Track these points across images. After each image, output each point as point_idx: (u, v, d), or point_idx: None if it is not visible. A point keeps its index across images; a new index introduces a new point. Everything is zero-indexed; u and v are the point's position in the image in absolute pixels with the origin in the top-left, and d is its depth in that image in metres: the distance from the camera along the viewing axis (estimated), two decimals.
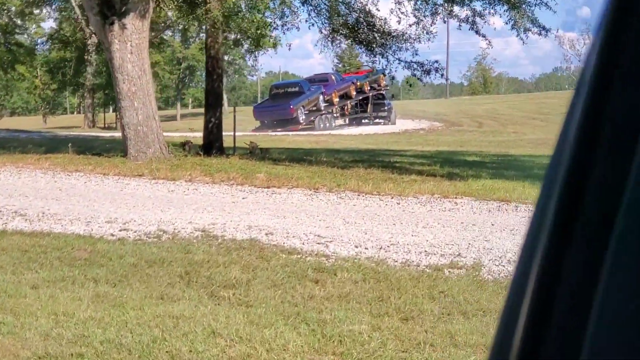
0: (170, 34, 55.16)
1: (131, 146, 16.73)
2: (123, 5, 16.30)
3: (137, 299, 6.06)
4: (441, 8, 18.85)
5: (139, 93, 16.55)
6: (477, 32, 18.90)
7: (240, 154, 19.30)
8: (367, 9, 19.80)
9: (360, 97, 45.70)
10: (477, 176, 14.89)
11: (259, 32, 17.87)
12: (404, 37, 19.75)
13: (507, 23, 18.19)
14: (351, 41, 20.76)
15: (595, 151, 0.67)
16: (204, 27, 19.77)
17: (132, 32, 16.43)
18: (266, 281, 6.66)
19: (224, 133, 20.46)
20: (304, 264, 7.37)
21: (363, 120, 47.21)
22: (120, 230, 9.12)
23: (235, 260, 7.43)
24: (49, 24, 64.60)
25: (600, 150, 0.67)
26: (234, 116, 21.83)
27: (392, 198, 12.06)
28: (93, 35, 40.04)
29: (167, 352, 4.84)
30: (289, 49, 44.55)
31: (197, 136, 22.28)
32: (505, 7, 17.84)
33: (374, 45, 19.87)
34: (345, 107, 45.23)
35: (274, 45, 22.72)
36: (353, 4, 19.84)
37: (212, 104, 20.29)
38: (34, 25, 57.84)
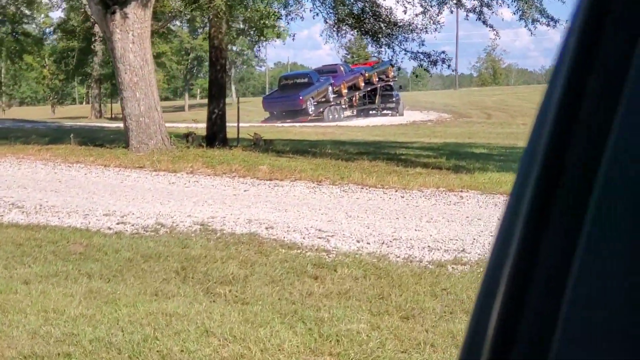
0: (179, 24, 55.05)
1: (133, 137, 16.58)
2: None
3: (130, 295, 5.92)
4: None
5: (140, 83, 16.36)
6: (484, 22, 18.65)
7: (244, 145, 19.14)
8: None
9: (369, 89, 45.51)
10: (484, 169, 14.69)
11: (262, 22, 17.66)
12: (411, 28, 19.51)
13: (514, 13, 17.97)
14: (357, 31, 20.51)
15: (572, 130, 0.67)
16: (207, 16, 19.51)
17: (134, 22, 16.22)
18: (264, 277, 6.50)
19: (230, 124, 20.28)
20: (304, 259, 7.21)
21: (371, 112, 47.07)
22: (117, 224, 8.97)
23: (233, 255, 7.27)
24: (58, 14, 64.52)
25: (578, 129, 0.66)
26: (238, 107, 21.64)
27: (396, 191, 11.86)
28: None
29: (157, 351, 4.70)
30: (293, 40, 44.57)
31: (201, 127, 22.12)
32: None
33: (380, 36, 19.61)
34: (354, 98, 45.08)
35: (278, 36, 22.48)
36: None
37: (216, 95, 20.09)
38: (42, 15, 57.68)
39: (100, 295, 5.89)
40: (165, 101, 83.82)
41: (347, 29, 20.37)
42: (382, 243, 8.05)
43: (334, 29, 20.02)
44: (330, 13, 19.68)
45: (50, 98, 66.57)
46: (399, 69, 25.72)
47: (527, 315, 0.66)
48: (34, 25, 57.67)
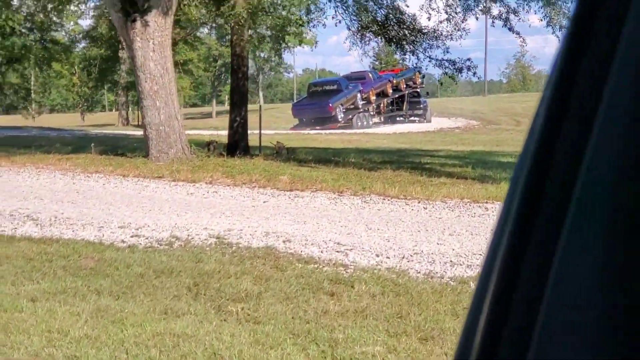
0: (207, 31, 55.12)
1: (152, 146, 16.47)
2: (145, 1, 15.99)
3: (138, 313, 5.71)
4: (473, 4, 18.35)
5: (161, 92, 16.24)
6: (510, 29, 18.39)
7: (265, 154, 18.93)
8: (396, 5, 19.31)
9: (396, 95, 45.30)
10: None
11: (284, 29, 17.50)
12: (435, 35, 19.25)
13: (542, 20, 17.73)
14: (381, 38, 20.27)
15: (558, 136, 0.67)
16: (229, 24, 19.39)
17: (155, 30, 16.12)
18: (278, 294, 6.27)
19: (254, 132, 20.10)
20: (321, 274, 6.97)
21: (398, 118, 46.83)
22: (131, 237, 8.80)
23: (248, 271, 7.05)
24: (87, 22, 64.87)
25: (562, 138, 0.67)
26: (260, 114, 21.42)
27: (419, 202, 11.56)
28: None
29: None
30: (315, 47, 44.42)
31: (225, 134, 21.97)
32: (540, 4, 17.35)
33: (404, 43, 19.36)
34: (381, 105, 44.92)
35: (301, 43, 22.32)
36: (381, 0, 19.34)
37: (237, 102, 19.94)
38: (71, 22, 58.03)
39: (107, 314, 5.69)
40: (193, 107, 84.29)
41: (371, 36, 20.15)
42: (402, 257, 7.79)
43: (358, 36, 19.82)
44: (354, 20, 19.50)
45: (80, 105, 67.04)
46: (424, 76, 25.48)
47: (511, 319, 0.68)
48: (63, 33, 58.05)
